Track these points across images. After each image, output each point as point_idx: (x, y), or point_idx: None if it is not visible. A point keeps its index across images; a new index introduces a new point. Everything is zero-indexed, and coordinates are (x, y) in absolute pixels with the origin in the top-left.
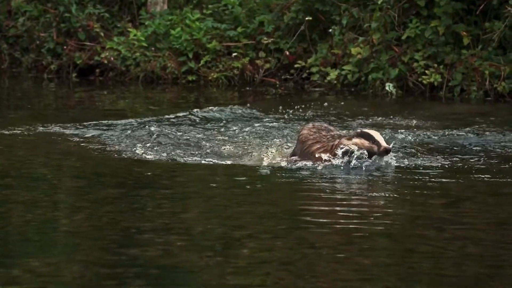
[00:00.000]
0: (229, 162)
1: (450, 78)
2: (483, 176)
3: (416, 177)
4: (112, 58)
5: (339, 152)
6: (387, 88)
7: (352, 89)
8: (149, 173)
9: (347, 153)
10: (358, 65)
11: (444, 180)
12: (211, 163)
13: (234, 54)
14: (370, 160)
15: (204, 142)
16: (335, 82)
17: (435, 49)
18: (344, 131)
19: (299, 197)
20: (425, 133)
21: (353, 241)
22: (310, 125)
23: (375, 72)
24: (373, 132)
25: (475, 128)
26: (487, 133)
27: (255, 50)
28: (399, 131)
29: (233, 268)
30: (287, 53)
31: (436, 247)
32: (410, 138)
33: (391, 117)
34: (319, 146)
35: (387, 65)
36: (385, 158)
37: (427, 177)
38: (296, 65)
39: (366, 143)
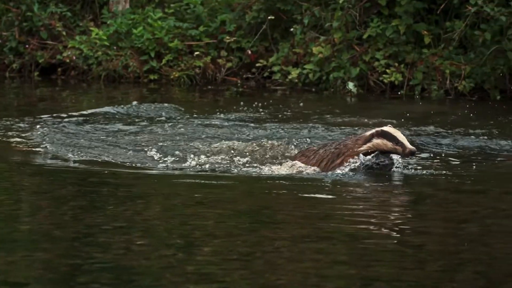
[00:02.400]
0: (189, 161)
1: (411, 77)
2: (443, 173)
3: (378, 177)
4: (74, 57)
5: (361, 157)
6: (348, 87)
7: (313, 88)
8: (108, 172)
9: (372, 157)
10: (320, 64)
11: (404, 178)
12: (171, 161)
13: (196, 53)
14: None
15: (160, 141)
16: (297, 81)
17: (396, 48)
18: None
19: (259, 196)
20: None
21: (313, 239)
22: (300, 153)
23: (336, 71)
24: (394, 131)
25: (436, 127)
26: (447, 131)
27: (217, 49)
28: (359, 130)
29: (194, 267)
30: (249, 52)
31: (396, 245)
32: None
33: (352, 116)
34: (326, 162)
35: (348, 64)
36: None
37: (387, 176)
38: (257, 64)
39: (389, 144)
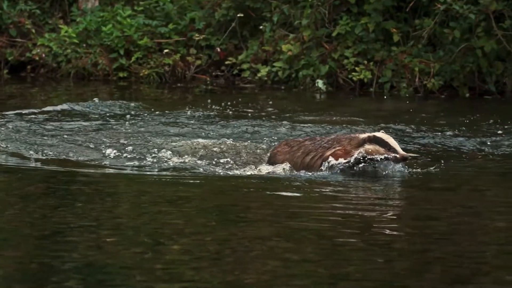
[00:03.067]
0: (155, 160)
1: (380, 74)
2: (412, 171)
3: (347, 176)
4: (43, 55)
5: (352, 159)
6: (317, 84)
7: (282, 86)
8: (74, 170)
9: (360, 161)
10: (289, 62)
11: (373, 176)
12: (136, 160)
13: (165, 50)
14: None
15: (123, 138)
16: (266, 78)
17: (365, 46)
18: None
19: (227, 194)
20: (354, 129)
21: (283, 236)
22: (284, 142)
23: (306, 69)
24: (387, 137)
25: (404, 124)
26: (416, 129)
27: (186, 47)
28: (328, 127)
29: (164, 264)
30: (218, 49)
31: (365, 243)
32: (338, 134)
33: (321, 113)
34: (312, 155)
35: (317, 62)
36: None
37: (356, 175)
38: (227, 62)
39: (381, 150)
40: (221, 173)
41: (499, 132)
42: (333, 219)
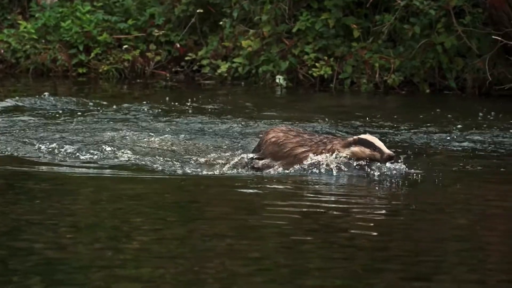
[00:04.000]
0: (115, 155)
1: (340, 70)
2: (372, 167)
3: (306, 172)
4: (2, 51)
5: (342, 161)
6: (277, 80)
7: (242, 81)
8: (35, 166)
9: (348, 163)
10: (249, 58)
11: (332, 173)
12: (97, 155)
13: (125, 46)
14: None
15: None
16: (226, 74)
17: (326, 41)
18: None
19: (187, 190)
20: (313, 124)
21: (243, 233)
22: (283, 127)
23: (266, 65)
24: (372, 138)
25: (365, 120)
26: (376, 125)
27: (145, 43)
28: (288, 123)
29: (122, 261)
30: (178, 45)
31: (326, 240)
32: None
33: (281, 109)
34: (304, 149)
35: (277, 58)
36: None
37: (316, 171)
38: (186, 58)
39: (367, 151)
40: (180, 170)
41: (459, 127)
42: (293, 216)
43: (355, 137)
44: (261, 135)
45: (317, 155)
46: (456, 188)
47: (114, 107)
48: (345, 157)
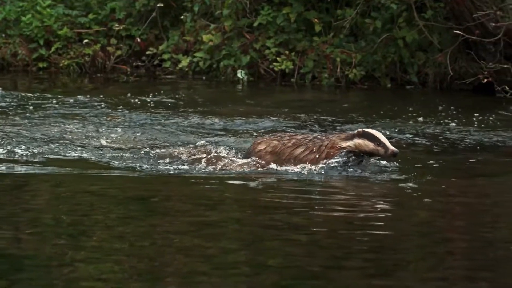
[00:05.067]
0: (78, 150)
1: (301, 65)
2: (333, 161)
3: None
4: None
5: (343, 154)
6: (238, 75)
7: (203, 76)
8: None
9: (350, 156)
10: (210, 52)
11: (293, 167)
12: (59, 149)
13: (85, 41)
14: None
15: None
16: (187, 69)
17: (287, 36)
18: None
19: (148, 185)
20: (275, 119)
21: (203, 229)
22: (272, 136)
23: (227, 59)
24: (376, 133)
25: (326, 115)
26: (337, 119)
27: (106, 37)
28: (249, 118)
29: (83, 256)
30: (139, 40)
31: (287, 234)
32: (259, 125)
33: (242, 104)
34: (303, 149)
35: (238, 52)
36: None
37: (276, 165)
38: (147, 52)
39: (371, 145)
40: (140, 165)
41: (420, 122)
42: (254, 213)
43: (359, 129)
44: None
45: (316, 151)
46: (417, 184)
47: (72, 101)
48: (344, 148)
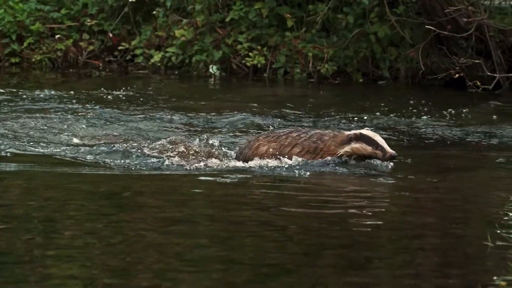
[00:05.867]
0: (49, 145)
1: (273, 60)
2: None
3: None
4: None
5: (337, 160)
6: (211, 70)
7: (176, 71)
8: None
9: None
10: (182, 47)
11: (264, 161)
12: (30, 145)
13: (58, 36)
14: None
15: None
16: (159, 64)
17: (259, 31)
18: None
19: (120, 179)
20: (245, 114)
21: (175, 224)
22: (266, 136)
23: (199, 54)
24: (373, 135)
25: (297, 110)
26: (309, 114)
27: (78, 32)
28: (221, 113)
29: (55, 251)
30: (111, 35)
31: (260, 228)
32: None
33: (214, 99)
34: (299, 149)
35: (211, 47)
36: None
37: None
38: (120, 47)
39: (369, 148)
40: (111, 161)
41: (392, 117)
42: (225, 208)
43: (356, 132)
44: (244, 148)
45: (312, 152)
46: (389, 179)
47: (43, 96)
48: (342, 155)
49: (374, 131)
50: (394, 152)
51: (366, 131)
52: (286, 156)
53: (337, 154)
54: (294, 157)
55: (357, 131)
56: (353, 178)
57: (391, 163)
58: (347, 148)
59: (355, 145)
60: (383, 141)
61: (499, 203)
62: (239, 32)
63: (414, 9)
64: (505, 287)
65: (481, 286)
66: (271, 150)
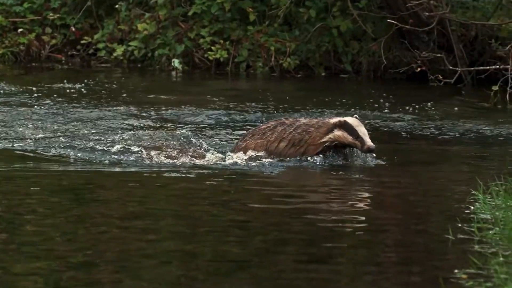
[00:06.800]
0: (9, 139)
1: (236, 54)
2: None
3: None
4: None
5: (321, 148)
6: (173, 64)
7: (138, 65)
8: None
9: (330, 147)
10: (145, 41)
11: (225, 156)
12: None
13: (20, 29)
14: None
15: None
16: (122, 58)
17: (221, 25)
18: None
19: (82, 172)
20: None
21: (137, 216)
22: (252, 133)
23: (162, 48)
24: (357, 125)
25: (260, 103)
26: (271, 108)
27: (41, 26)
28: (183, 107)
29: (16, 245)
30: (73, 29)
31: (221, 222)
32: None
33: (176, 92)
34: (285, 143)
35: (173, 41)
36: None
37: (208, 154)
38: (82, 41)
39: (349, 138)
40: (73, 154)
41: (353, 110)
42: (188, 200)
43: (341, 119)
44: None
45: (296, 145)
46: (350, 173)
47: (3, 91)
48: (325, 142)
49: (360, 121)
50: (372, 145)
51: (351, 120)
52: (273, 151)
53: (321, 141)
54: (281, 153)
55: (342, 119)
56: (316, 172)
57: (370, 155)
58: (330, 135)
59: (337, 133)
60: (366, 132)
61: (460, 197)
62: (201, 26)
63: (376, 3)
64: (466, 280)
65: (442, 280)
66: (258, 148)
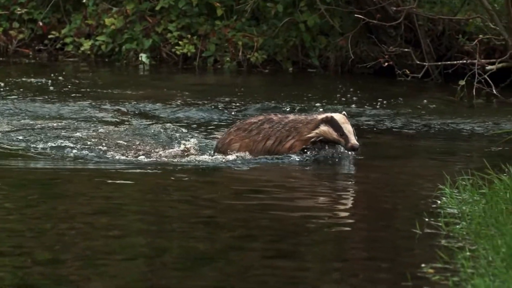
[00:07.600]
0: None
1: (203, 48)
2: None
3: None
4: None
5: (309, 144)
6: (140, 58)
7: (106, 59)
8: None
9: (316, 143)
10: (112, 36)
11: (195, 150)
12: None
13: None
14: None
15: None
16: (89, 52)
17: (189, 20)
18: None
19: (48, 168)
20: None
21: (104, 211)
22: (237, 131)
23: (129, 43)
24: (343, 122)
25: (227, 98)
26: (239, 103)
27: (8, 21)
28: (150, 101)
29: None
30: (41, 23)
31: (188, 217)
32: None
33: (144, 87)
34: (273, 141)
35: (141, 36)
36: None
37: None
38: (50, 36)
39: (334, 134)
40: (41, 148)
41: (319, 105)
42: (156, 195)
43: (328, 115)
44: (217, 143)
45: (283, 141)
46: (318, 169)
47: None
48: (311, 137)
49: (347, 118)
50: (357, 143)
51: (338, 116)
52: (260, 151)
53: (308, 136)
54: (269, 151)
55: (330, 115)
56: (284, 168)
57: (352, 153)
58: (316, 130)
59: (323, 128)
60: (351, 130)
61: (427, 191)
62: (169, 21)
63: None
64: (433, 274)
65: (409, 275)
66: (244, 145)
